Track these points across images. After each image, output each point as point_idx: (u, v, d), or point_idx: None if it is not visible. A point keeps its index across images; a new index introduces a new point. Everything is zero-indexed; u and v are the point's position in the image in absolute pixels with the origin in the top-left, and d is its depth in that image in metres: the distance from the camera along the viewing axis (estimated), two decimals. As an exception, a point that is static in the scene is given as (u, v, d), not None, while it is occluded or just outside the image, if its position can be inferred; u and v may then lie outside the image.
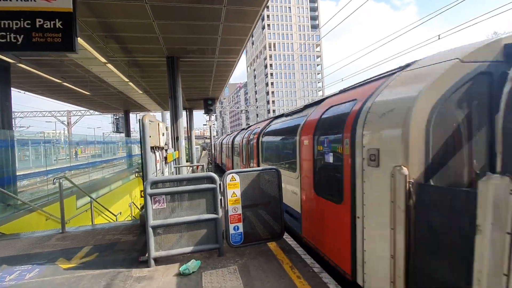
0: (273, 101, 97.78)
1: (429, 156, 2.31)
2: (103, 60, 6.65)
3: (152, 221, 3.82)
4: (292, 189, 5.01)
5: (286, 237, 4.72)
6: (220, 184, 4.08)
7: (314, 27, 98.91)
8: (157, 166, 4.50)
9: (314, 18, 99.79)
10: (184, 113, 19.28)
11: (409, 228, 2.27)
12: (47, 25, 3.56)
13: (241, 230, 4.17)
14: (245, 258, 3.97)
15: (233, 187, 4.16)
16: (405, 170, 2.27)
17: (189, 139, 19.79)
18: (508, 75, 1.95)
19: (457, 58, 2.35)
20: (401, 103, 2.51)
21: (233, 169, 12.75)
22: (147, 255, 3.88)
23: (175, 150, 7.69)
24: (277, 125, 6.69)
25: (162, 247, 3.91)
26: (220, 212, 4.05)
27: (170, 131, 7.88)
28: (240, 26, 6.33)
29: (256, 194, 4.28)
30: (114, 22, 5.82)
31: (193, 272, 3.60)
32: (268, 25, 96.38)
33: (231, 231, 4.12)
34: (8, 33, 3.53)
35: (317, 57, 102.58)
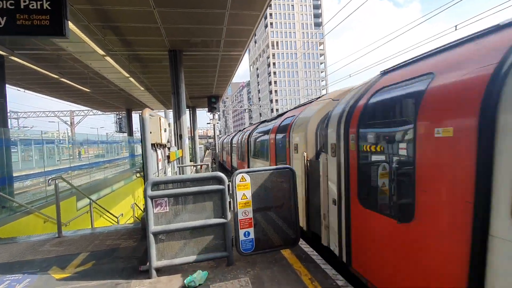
0: (276, 100, 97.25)
1: (317, 147, 4.80)
2: (101, 52, 6.25)
3: (153, 227, 3.41)
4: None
5: (301, 243, 4.29)
6: (228, 185, 3.66)
7: (317, 25, 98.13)
8: (158, 165, 4.09)
9: (317, 16, 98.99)
10: (187, 112, 18.93)
11: (307, 179, 4.79)
12: (33, 6, 3.15)
13: (252, 236, 3.75)
14: (257, 268, 3.54)
15: (243, 188, 3.73)
16: (305, 154, 4.81)
17: (192, 138, 19.43)
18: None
19: (330, 98, 4.99)
20: (304, 120, 5.19)
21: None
22: (148, 264, 3.47)
23: (178, 149, 7.30)
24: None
25: (165, 256, 3.49)
26: (229, 216, 3.63)
27: (173, 128, 7.48)
28: (247, 15, 5.89)
29: (269, 196, 3.86)
30: (110, 10, 5.42)
31: (199, 284, 3.18)
32: (271, 23, 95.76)
33: (241, 237, 3.70)
34: (-11, 16, 3.13)
35: (321, 55, 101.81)
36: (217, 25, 6.33)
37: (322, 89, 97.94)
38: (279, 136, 6.49)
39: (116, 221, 9.60)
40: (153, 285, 3.26)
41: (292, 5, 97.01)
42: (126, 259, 4.09)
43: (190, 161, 26.59)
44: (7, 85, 10.72)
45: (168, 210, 3.50)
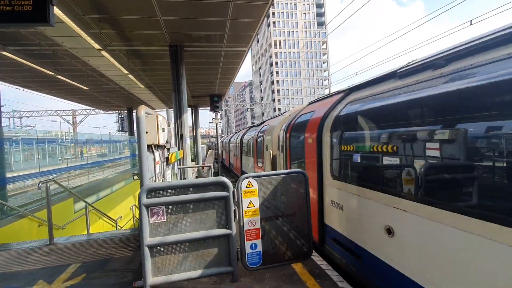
0: (279, 100, 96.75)
1: (279, 146, 6.58)
2: (97, 47, 5.87)
3: (148, 239, 3.01)
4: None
5: (313, 255, 3.88)
6: (233, 192, 3.26)
7: (320, 24, 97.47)
8: (156, 168, 3.69)
9: (320, 15, 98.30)
10: (189, 110, 18.54)
11: (273, 167, 7.17)
12: (12, -12, 2.77)
13: (259, 248, 3.34)
14: (266, 286, 3.14)
15: (250, 195, 3.33)
16: (271, 151, 7.35)
17: (194, 138, 19.07)
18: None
19: (288, 114, 7.51)
20: (271, 127, 7.94)
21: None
22: (143, 280, 3.07)
23: (179, 149, 6.91)
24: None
25: (162, 271, 3.09)
26: (234, 227, 3.23)
27: (174, 127, 7.10)
28: (253, 5, 5.48)
29: (278, 204, 3.45)
30: (107, 0, 5.02)
31: (200, 306, 2.78)
32: (274, 22, 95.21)
33: (248, 250, 3.29)
34: (-37, 0, 2.76)
35: (324, 54, 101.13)
36: (221, 18, 5.92)
37: (325, 89, 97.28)
38: (259, 138, 9.44)
39: (114, 224, 9.24)
40: (148, 306, 2.87)
41: (295, 4, 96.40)
42: (120, 272, 3.70)
43: (192, 161, 26.24)
44: (3, 83, 10.40)
45: (165, 220, 3.10)
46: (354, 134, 3.77)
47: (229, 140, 22.28)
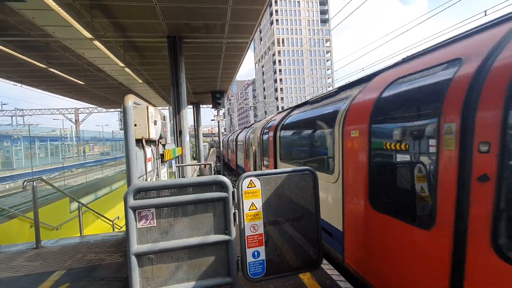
0: (282, 98, 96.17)
1: (262, 144, 8.79)
2: (88, 35, 5.49)
3: (136, 247, 2.63)
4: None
5: (323, 263, 3.48)
6: (233, 192, 2.86)
7: (324, 21, 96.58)
8: (147, 166, 3.31)
9: (323, 12, 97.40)
10: (190, 108, 18.17)
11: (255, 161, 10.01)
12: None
13: (262, 257, 2.95)
14: (270, 300, 2.75)
15: (252, 196, 2.94)
16: (254, 147, 10.08)
17: (196, 136, 18.71)
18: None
19: (268, 119, 9.87)
20: (255, 128, 10.38)
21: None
22: (130, 292, 2.69)
23: (177, 146, 6.53)
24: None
25: (151, 283, 2.71)
26: (234, 232, 2.84)
27: (172, 122, 6.72)
28: (256, -10, 5.07)
29: (284, 206, 3.05)
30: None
31: (194, 325, 2.40)
32: (277, 20, 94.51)
33: (249, 258, 2.90)
34: None
35: (327, 52, 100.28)
36: (221, 5, 5.51)
37: (329, 86, 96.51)
38: (248, 136, 11.64)
39: (112, 224, 8.91)
40: (134, 324, 2.49)
41: (298, 1, 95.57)
42: (108, 281, 3.33)
43: (194, 159, 25.86)
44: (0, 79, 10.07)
45: (155, 225, 2.71)
46: (284, 135, 6.63)
47: (228, 139, 24.08)
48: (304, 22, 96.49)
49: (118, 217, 9.05)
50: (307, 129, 5.37)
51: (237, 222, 2.87)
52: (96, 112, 42.22)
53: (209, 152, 43.29)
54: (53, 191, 10.18)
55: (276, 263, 3.00)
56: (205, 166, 11.55)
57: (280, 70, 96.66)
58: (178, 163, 6.73)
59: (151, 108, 3.11)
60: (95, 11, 5.43)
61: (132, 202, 2.63)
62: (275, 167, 6.91)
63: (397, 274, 2.74)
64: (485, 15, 9.21)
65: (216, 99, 14.53)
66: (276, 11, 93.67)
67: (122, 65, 7.48)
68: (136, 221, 2.67)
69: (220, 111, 17.09)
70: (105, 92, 14.02)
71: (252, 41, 7.70)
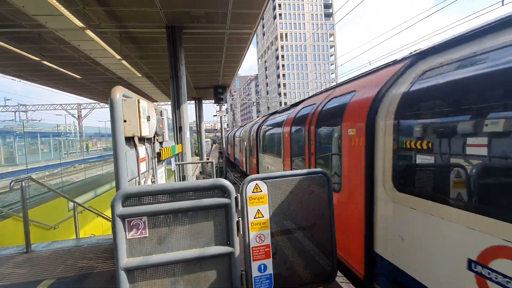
0: (285, 94, 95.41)
1: (249, 140, 12.33)
2: (80, 25, 5.12)
3: (125, 260, 2.30)
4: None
5: (338, 275, 3.13)
6: (236, 198, 2.51)
7: (328, 15, 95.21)
8: (140, 166, 2.96)
9: (327, 6, 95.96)
10: (192, 104, 17.79)
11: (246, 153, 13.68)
12: None
13: (270, 271, 2.61)
14: (279, 321, 2.41)
15: (258, 202, 2.59)
16: (245, 143, 13.47)
17: (198, 132, 18.39)
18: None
19: (257, 121, 12.90)
20: (247, 127, 13.60)
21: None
22: (120, 311, 2.37)
23: (177, 143, 6.19)
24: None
25: (144, 301, 2.39)
26: (237, 243, 2.50)
27: (172, 118, 6.37)
28: (260, -26, 4.66)
29: (294, 213, 2.70)
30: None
31: None
32: (280, 14, 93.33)
33: (255, 273, 2.57)
34: None
35: (331, 47, 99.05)
36: (223, -9, 5.12)
37: (332, 82, 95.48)
38: (241, 134, 13.94)
39: (110, 225, 8.64)
40: None
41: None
42: (98, 294, 3.02)
43: (196, 155, 25.60)
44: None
45: (147, 235, 2.38)
46: (262, 134, 10.22)
47: (227, 136, 25.96)
48: (308, 17, 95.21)
49: (117, 216, 8.76)
50: (273, 129, 7.94)
51: (241, 232, 2.53)
52: (98, 107, 42.08)
53: (211, 148, 43.04)
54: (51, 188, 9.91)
55: (285, 278, 2.66)
56: (207, 164, 11.23)
57: (283, 65, 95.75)
58: (178, 161, 6.39)
59: (143, 102, 2.75)
60: (88, -2, 5.07)
61: (120, 209, 2.30)
62: (257, 157, 10.72)
63: None
64: (503, 4, 8.73)
65: (218, 94, 14.16)
66: (279, 5, 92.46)
67: (119, 57, 7.12)
68: (125, 231, 2.34)
69: (223, 106, 16.72)
70: (105, 87, 13.69)
71: (255, 36, 7.29)
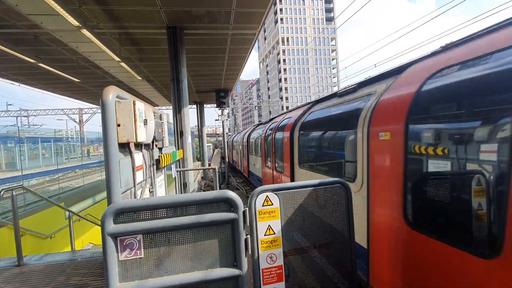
0: (287, 98, 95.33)
1: (243, 144, 15.56)
2: (76, 23, 4.88)
3: (118, 285, 2.00)
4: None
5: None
6: (244, 212, 2.21)
7: (329, 20, 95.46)
8: (135, 176, 2.66)
9: (329, 10, 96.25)
10: (194, 108, 17.55)
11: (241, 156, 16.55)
12: None
13: (283, 295, 2.29)
14: None
15: (269, 217, 2.29)
16: (240, 147, 16.46)
17: (200, 136, 18.13)
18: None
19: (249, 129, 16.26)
20: (241, 135, 16.65)
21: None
22: None
23: (178, 149, 5.91)
24: None
25: (138, 332, 2.07)
26: (245, 264, 2.19)
27: (173, 122, 6.09)
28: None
29: (309, 229, 2.39)
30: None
31: None
32: (281, 19, 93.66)
33: (266, 298, 2.25)
34: None
35: (332, 51, 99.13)
36: (226, -11, 4.87)
37: (334, 86, 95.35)
38: (242, 139, 15.05)
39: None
40: None
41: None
42: (89, 318, 2.70)
43: (198, 160, 25.27)
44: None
45: (143, 256, 2.07)
46: (250, 140, 13.30)
47: (227, 140, 27.93)
48: (309, 21, 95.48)
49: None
50: (257, 138, 10.33)
51: (250, 251, 2.22)
52: (99, 112, 42.05)
53: (213, 153, 42.77)
54: (47, 195, 9.62)
55: (300, 303, 2.34)
56: (209, 170, 10.93)
57: (284, 69, 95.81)
58: (179, 167, 6.10)
59: (139, 104, 2.46)
60: (84, -4, 4.84)
61: (111, 227, 2.00)
62: (248, 159, 12.91)
63: None
64: (515, 2, 8.46)
65: (221, 97, 13.92)
66: (281, 9, 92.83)
67: (118, 59, 6.87)
68: (117, 251, 2.04)
69: (225, 110, 16.48)
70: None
71: (257, 41, 7.08)
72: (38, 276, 3.73)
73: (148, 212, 2.08)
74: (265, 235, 2.25)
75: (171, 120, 6.61)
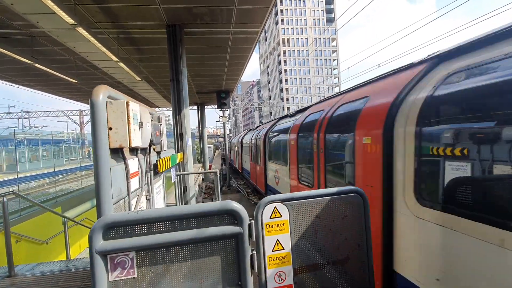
0: (287, 99, 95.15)
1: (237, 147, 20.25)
2: (71, 21, 4.67)
3: (107, 309, 1.76)
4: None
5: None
6: (250, 225, 1.98)
7: (330, 20, 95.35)
8: (130, 183, 2.43)
9: (329, 11, 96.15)
10: (194, 109, 17.35)
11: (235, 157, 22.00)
12: None
13: (293, 318, 2.05)
14: None
15: (277, 230, 2.06)
16: (236, 148, 23.11)
17: (201, 138, 17.92)
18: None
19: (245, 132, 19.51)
20: (239, 137, 19.16)
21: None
22: None
23: (178, 152, 5.68)
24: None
25: None
26: (251, 284, 1.95)
27: (172, 124, 5.87)
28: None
29: (322, 243, 2.15)
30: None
31: None
32: (282, 20, 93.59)
33: (274, 321, 2.01)
34: None
35: (333, 52, 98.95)
36: (228, -15, 4.65)
37: (335, 87, 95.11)
38: (237, 141, 18.34)
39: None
40: None
41: (303, 0, 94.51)
42: None
43: (199, 162, 25.05)
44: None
45: (136, 276, 1.84)
46: (241, 143, 18.80)
47: (230, 142, 30.91)
48: (310, 22, 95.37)
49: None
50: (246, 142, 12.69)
51: (256, 269, 1.99)
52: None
53: (214, 155, 42.54)
54: (44, 199, 9.40)
55: (312, 326, 2.10)
56: (210, 174, 10.71)
57: (285, 71, 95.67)
58: (179, 171, 5.88)
59: (133, 105, 2.24)
60: (80, -7, 4.63)
61: (100, 243, 1.77)
62: (241, 160, 14.98)
63: None
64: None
65: (222, 99, 13.71)
66: (282, 10, 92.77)
67: (116, 59, 6.67)
68: (107, 271, 1.81)
69: (226, 111, 16.26)
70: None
71: (257, 42, 6.92)
72: (30, 287, 3.51)
73: (142, 226, 1.86)
74: (273, 250, 2.02)
75: (171, 122, 6.43)
